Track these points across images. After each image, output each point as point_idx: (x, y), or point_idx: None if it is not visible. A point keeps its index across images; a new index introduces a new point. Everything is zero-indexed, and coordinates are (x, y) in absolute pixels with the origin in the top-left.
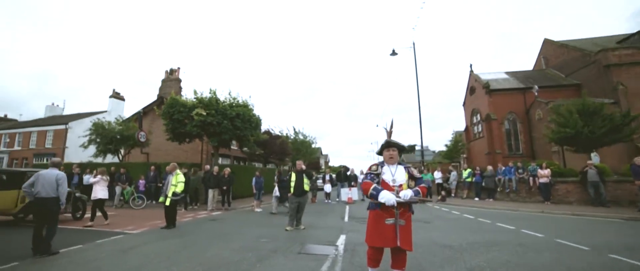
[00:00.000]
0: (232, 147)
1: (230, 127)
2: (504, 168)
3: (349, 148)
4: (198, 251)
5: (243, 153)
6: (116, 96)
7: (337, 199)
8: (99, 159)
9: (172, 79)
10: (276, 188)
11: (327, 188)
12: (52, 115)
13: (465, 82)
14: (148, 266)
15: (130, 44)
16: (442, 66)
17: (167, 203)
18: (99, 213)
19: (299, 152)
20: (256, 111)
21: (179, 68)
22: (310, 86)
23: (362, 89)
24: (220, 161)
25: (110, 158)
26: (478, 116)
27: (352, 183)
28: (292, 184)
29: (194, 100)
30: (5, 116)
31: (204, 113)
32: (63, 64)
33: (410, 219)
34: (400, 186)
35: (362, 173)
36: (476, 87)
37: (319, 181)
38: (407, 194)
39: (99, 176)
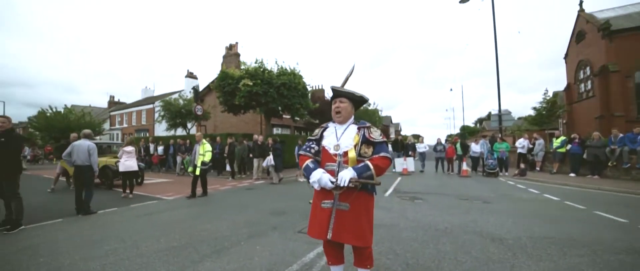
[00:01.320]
0: (288, 117)
1: (275, 96)
2: (620, 135)
3: (424, 116)
4: (200, 222)
5: (302, 123)
6: (190, 75)
7: (393, 170)
8: (171, 132)
9: (231, 54)
10: (270, 157)
11: None
12: (146, 97)
13: (567, 31)
14: (143, 232)
15: (202, 26)
16: (536, 18)
17: (197, 172)
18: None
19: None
20: (315, 81)
21: (237, 43)
22: (379, 53)
23: (436, 52)
24: (274, 131)
25: (180, 131)
26: (588, 69)
27: (410, 153)
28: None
29: (243, 71)
30: (118, 100)
31: (250, 83)
32: (157, 57)
33: (363, 201)
34: (346, 154)
35: (439, 142)
36: (586, 31)
37: None
38: (344, 177)
39: (123, 149)
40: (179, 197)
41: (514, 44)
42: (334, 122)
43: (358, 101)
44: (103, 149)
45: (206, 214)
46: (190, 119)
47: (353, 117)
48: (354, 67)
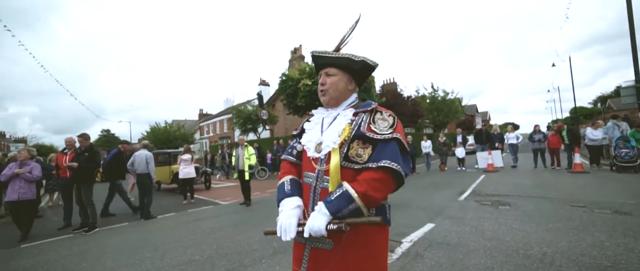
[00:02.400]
0: None
1: None
2: None
3: (519, 101)
4: (236, 232)
5: None
6: (263, 83)
7: (476, 167)
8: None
9: (296, 57)
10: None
11: (459, 152)
12: (227, 107)
13: None
14: (179, 241)
15: (274, 33)
16: None
17: (247, 177)
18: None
19: (439, 112)
20: (381, 74)
21: (301, 45)
22: (456, 37)
23: (528, 25)
24: None
25: (252, 136)
26: None
27: (497, 145)
28: None
29: (302, 72)
30: (206, 112)
31: (310, 83)
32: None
33: (361, 236)
34: (327, 160)
35: (537, 130)
36: None
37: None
38: (312, 227)
39: (180, 157)
40: (235, 201)
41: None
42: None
43: (359, 70)
44: (171, 157)
45: (248, 222)
46: (259, 124)
47: (354, 96)
48: (358, 20)
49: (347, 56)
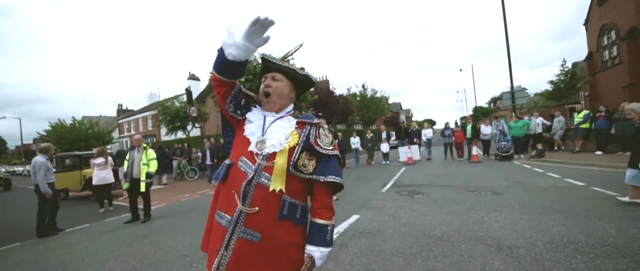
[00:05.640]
0: None
1: None
2: None
3: (434, 100)
4: (164, 237)
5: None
6: (192, 77)
7: (399, 160)
8: (172, 137)
9: None
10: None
11: (384, 147)
12: (152, 102)
13: None
14: (97, 255)
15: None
16: None
17: (142, 189)
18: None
19: (368, 109)
20: (313, 71)
21: None
22: (378, 40)
23: (438, 34)
24: None
25: (181, 134)
26: (613, 34)
27: (415, 140)
28: None
29: None
30: (127, 108)
31: (242, 79)
32: (164, 62)
33: (286, 232)
34: (272, 156)
35: (447, 126)
36: None
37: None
38: (323, 259)
39: (92, 161)
40: (163, 205)
41: (519, 19)
42: (256, 106)
43: (301, 81)
44: (82, 160)
45: (177, 226)
46: (188, 121)
47: (292, 106)
48: (302, 45)
49: (294, 67)
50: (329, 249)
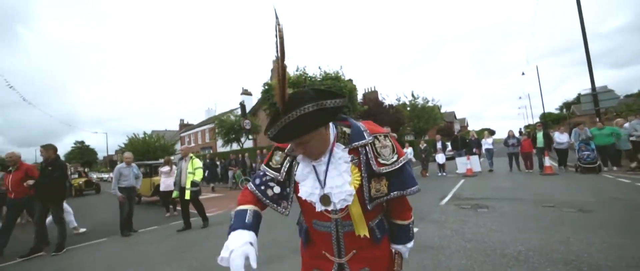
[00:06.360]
0: None
1: None
2: None
3: (491, 107)
4: (222, 243)
5: None
6: (245, 92)
7: (457, 172)
8: (227, 148)
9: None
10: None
11: (440, 158)
12: (209, 117)
13: None
14: (167, 254)
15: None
16: None
17: (187, 197)
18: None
19: (420, 119)
20: (362, 82)
21: None
22: (428, 47)
23: (494, 36)
24: None
25: (235, 146)
26: None
27: (474, 150)
28: None
29: None
30: (187, 122)
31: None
32: (220, 78)
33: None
34: (345, 210)
35: (511, 135)
36: None
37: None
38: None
39: (160, 170)
40: (219, 213)
41: (593, 13)
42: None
43: (329, 110)
44: (152, 169)
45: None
46: (242, 133)
47: (333, 128)
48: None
49: (312, 109)
50: (412, 242)
